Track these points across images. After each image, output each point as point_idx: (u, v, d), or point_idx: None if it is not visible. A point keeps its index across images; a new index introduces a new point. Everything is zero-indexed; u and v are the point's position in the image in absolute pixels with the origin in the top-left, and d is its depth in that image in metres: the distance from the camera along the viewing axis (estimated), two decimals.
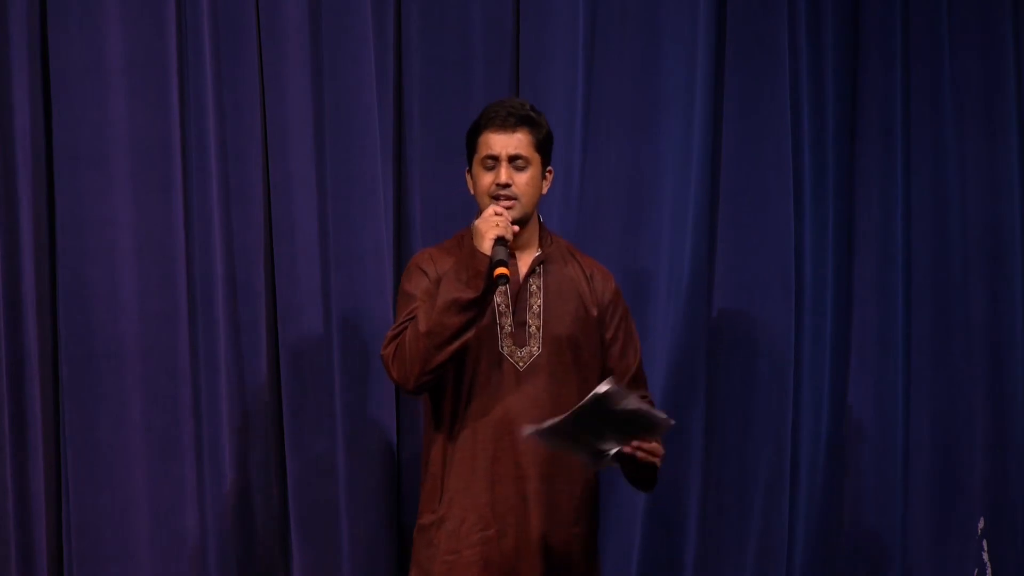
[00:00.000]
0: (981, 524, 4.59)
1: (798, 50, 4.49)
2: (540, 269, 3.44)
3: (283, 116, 3.96)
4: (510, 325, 3.40)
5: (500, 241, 3.26)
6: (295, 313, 3.96)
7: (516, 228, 3.33)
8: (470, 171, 3.44)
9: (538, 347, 3.40)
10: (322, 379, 3.97)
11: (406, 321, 3.34)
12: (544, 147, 3.42)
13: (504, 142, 3.37)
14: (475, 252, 3.26)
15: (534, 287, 3.42)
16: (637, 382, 3.52)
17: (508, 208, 3.34)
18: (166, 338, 3.83)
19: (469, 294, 3.24)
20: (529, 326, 3.40)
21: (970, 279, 4.67)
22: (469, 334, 3.28)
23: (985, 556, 4.57)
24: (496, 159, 3.37)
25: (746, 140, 4.42)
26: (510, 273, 3.25)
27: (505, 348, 3.39)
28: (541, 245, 3.46)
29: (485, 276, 3.24)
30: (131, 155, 3.82)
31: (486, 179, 3.38)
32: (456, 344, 3.26)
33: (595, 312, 3.47)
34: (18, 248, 3.74)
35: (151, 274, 3.83)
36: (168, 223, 3.85)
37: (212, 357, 3.87)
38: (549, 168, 3.45)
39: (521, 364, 3.39)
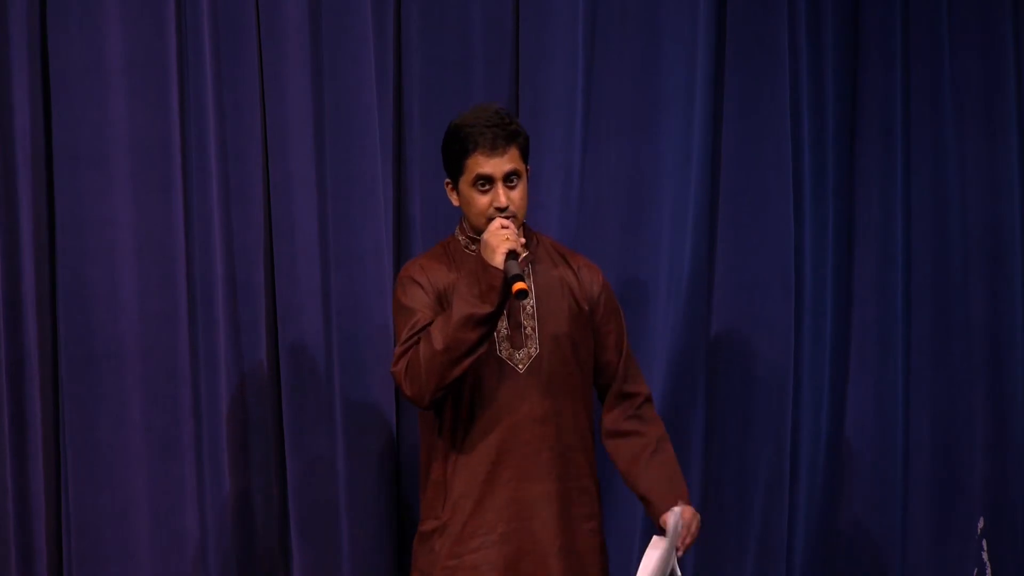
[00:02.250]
0: (981, 524, 4.59)
1: (798, 50, 4.49)
2: (529, 269, 3.44)
3: (283, 116, 3.96)
4: (505, 328, 3.40)
5: (511, 255, 3.25)
6: (295, 313, 3.96)
7: (523, 240, 3.34)
8: (452, 185, 3.43)
9: (536, 347, 3.40)
10: (322, 379, 3.97)
11: (412, 336, 3.33)
12: (527, 153, 3.42)
13: (498, 164, 3.35)
14: (487, 266, 3.25)
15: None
16: (628, 375, 3.54)
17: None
18: (166, 338, 3.83)
19: (485, 309, 3.24)
20: (524, 327, 3.41)
21: (970, 279, 4.66)
22: (484, 348, 3.29)
23: (985, 556, 4.57)
24: (491, 180, 3.36)
25: (746, 140, 4.42)
26: (527, 287, 3.25)
27: (503, 351, 3.39)
28: (528, 246, 3.46)
29: (499, 290, 3.24)
30: (131, 155, 3.82)
31: (482, 201, 3.37)
32: (472, 358, 3.27)
33: (586, 307, 3.49)
34: (18, 248, 3.74)
35: (151, 274, 3.83)
36: (168, 223, 3.85)
37: (212, 357, 3.88)
38: (528, 167, 3.45)
39: (520, 366, 3.39)
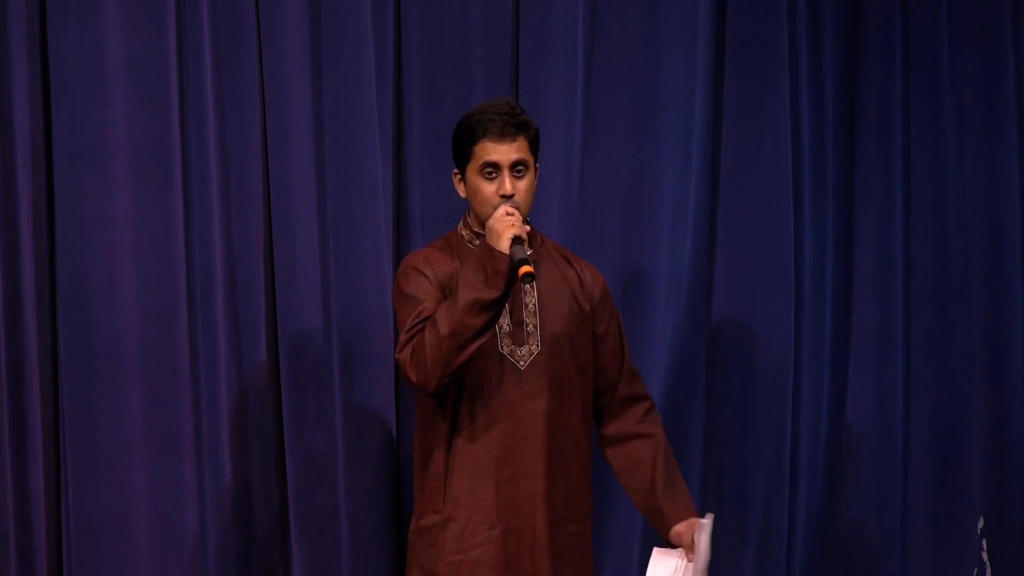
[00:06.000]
0: (981, 524, 4.59)
1: (798, 50, 4.49)
2: (534, 269, 3.45)
3: (283, 116, 3.96)
4: (508, 324, 3.41)
5: (517, 240, 3.27)
6: (295, 312, 3.96)
7: (528, 228, 3.35)
8: (460, 176, 3.45)
9: (537, 345, 3.41)
10: (322, 378, 3.97)
11: (417, 323, 3.34)
12: (536, 147, 3.44)
13: (505, 151, 3.37)
14: (492, 252, 3.26)
15: (528, 286, 3.44)
16: (632, 379, 3.55)
17: None
18: (166, 337, 3.83)
19: (492, 294, 3.25)
20: (526, 325, 3.42)
21: (970, 279, 4.67)
22: (489, 333, 3.30)
23: (985, 556, 4.58)
24: (497, 167, 3.38)
25: (746, 140, 4.43)
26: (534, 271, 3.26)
27: (505, 348, 3.40)
28: (531, 244, 3.48)
29: (505, 275, 3.25)
30: (131, 155, 3.82)
31: (488, 189, 3.38)
32: (478, 343, 3.28)
33: (587, 308, 3.50)
34: (18, 248, 3.74)
35: (151, 273, 3.83)
36: (168, 223, 3.85)
37: (212, 356, 3.88)
38: (537, 164, 3.46)
39: (522, 363, 3.40)
